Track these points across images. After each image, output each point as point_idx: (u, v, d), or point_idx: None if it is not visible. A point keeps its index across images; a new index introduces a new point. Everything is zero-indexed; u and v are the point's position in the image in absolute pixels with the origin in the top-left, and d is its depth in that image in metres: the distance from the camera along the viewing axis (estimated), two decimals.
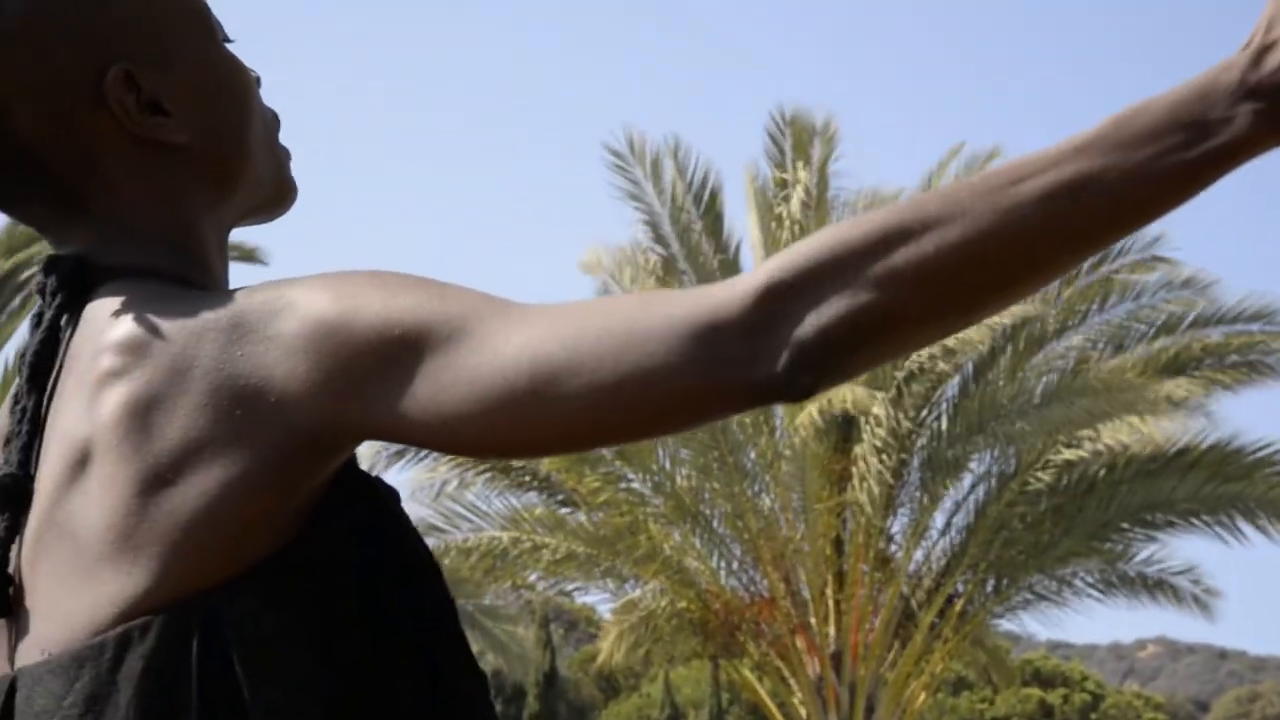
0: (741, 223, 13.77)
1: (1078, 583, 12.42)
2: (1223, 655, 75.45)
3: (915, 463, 12.09)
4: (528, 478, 12.57)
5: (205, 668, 0.92)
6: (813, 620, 12.20)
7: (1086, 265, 12.25)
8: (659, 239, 13.10)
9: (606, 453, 12.26)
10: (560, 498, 12.65)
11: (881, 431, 11.57)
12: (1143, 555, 12.42)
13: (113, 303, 1.01)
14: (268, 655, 0.92)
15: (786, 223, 12.55)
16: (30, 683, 0.95)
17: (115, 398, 0.96)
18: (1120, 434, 11.61)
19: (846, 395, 10.99)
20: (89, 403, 0.98)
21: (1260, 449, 11.74)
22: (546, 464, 12.50)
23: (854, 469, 11.81)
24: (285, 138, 1.17)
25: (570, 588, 13.87)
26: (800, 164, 12.80)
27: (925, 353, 11.63)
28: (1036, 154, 0.84)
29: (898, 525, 12.31)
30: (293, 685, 0.93)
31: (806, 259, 0.85)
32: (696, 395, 0.86)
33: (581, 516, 12.54)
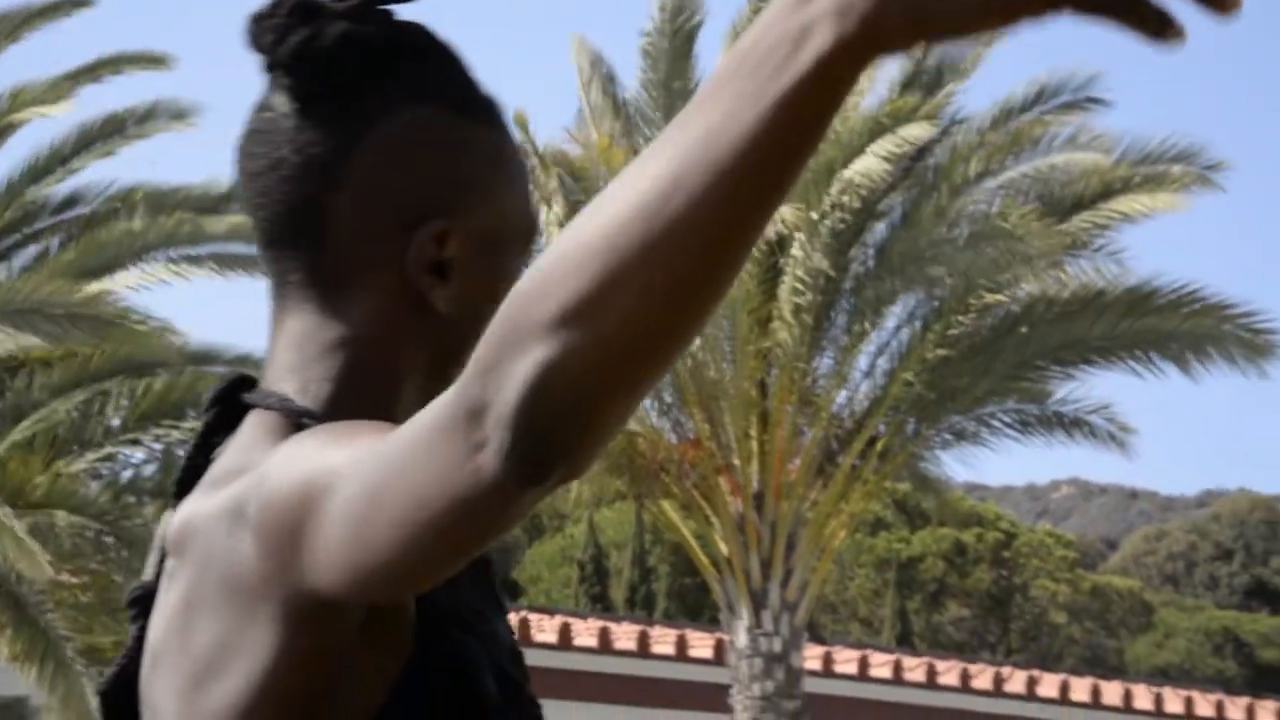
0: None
1: (995, 423, 12.63)
2: (1133, 495, 77.56)
3: (840, 305, 12.17)
4: None
5: None
6: (736, 461, 12.35)
7: (1019, 107, 12.22)
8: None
9: None
10: None
11: (802, 273, 11.61)
12: (1059, 395, 12.63)
13: (226, 455, 1.05)
14: None
15: None
16: None
17: (171, 600, 1.03)
18: (1038, 275, 11.71)
19: (784, 215, 10.98)
20: (165, 591, 1.05)
21: (1172, 290, 11.93)
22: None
23: (778, 310, 11.87)
24: None
25: None
26: None
27: (846, 194, 11.61)
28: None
29: (822, 368, 12.43)
30: None
31: (508, 308, 0.77)
32: (459, 497, 0.80)
33: None
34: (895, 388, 12.04)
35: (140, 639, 1.07)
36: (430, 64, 1.10)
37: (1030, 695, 14.74)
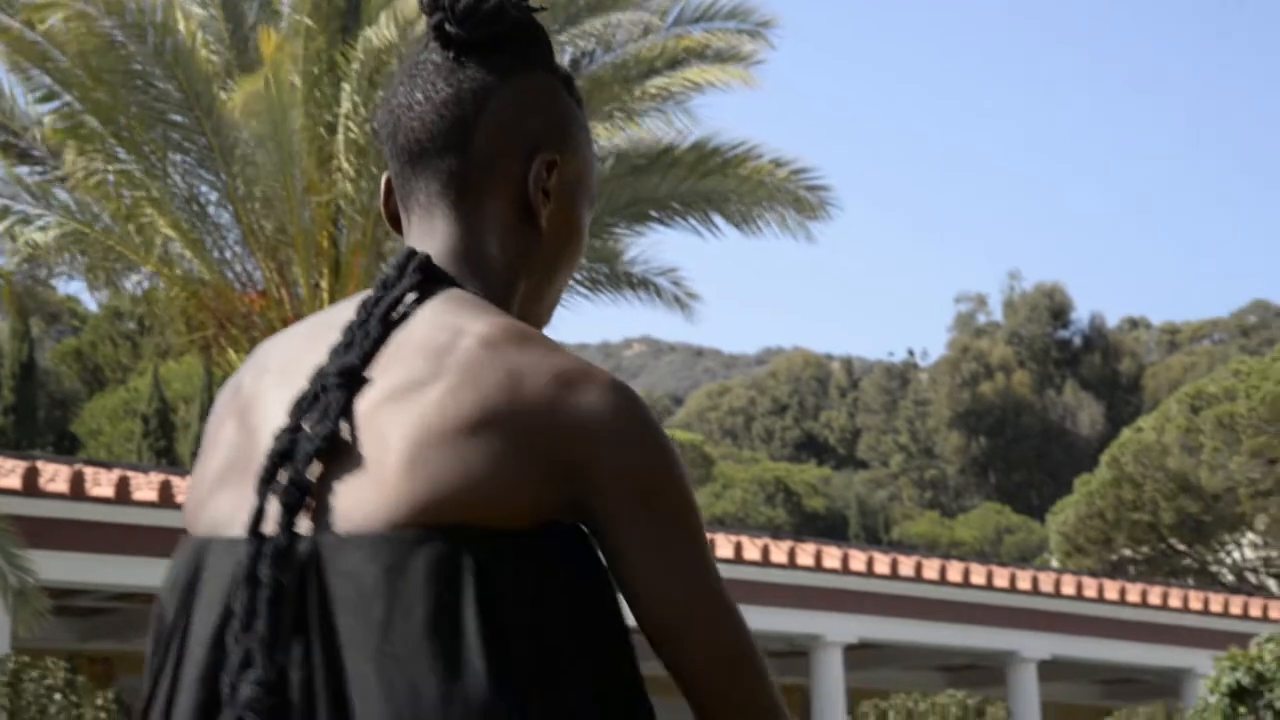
0: None
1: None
2: (700, 354, 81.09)
3: None
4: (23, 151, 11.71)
5: (481, 576, 1.23)
6: (306, 313, 12.11)
7: None
8: None
9: (99, 127, 11.55)
10: (53, 175, 11.95)
11: (358, 126, 11.36)
12: (630, 255, 12.96)
13: (465, 308, 1.34)
14: (518, 583, 1.24)
15: None
16: (337, 546, 1.25)
17: (455, 362, 1.28)
18: (609, 133, 11.90)
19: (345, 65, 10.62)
20: (438, 356, 1.29)
21: (734, 147, 12.39)
22: (46, 137, 11.74)
23: (338, 161, 11.59)
24: None
25: (48, 275, 13.19)
26: None
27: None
28: None
29: None
30: (538, 608, 1.25)
31: None
32: None
33: (65, 196, 11.85)
34: None
35: (348, 406, 1.29)
36: (545, 45, 1.46)
37: None
